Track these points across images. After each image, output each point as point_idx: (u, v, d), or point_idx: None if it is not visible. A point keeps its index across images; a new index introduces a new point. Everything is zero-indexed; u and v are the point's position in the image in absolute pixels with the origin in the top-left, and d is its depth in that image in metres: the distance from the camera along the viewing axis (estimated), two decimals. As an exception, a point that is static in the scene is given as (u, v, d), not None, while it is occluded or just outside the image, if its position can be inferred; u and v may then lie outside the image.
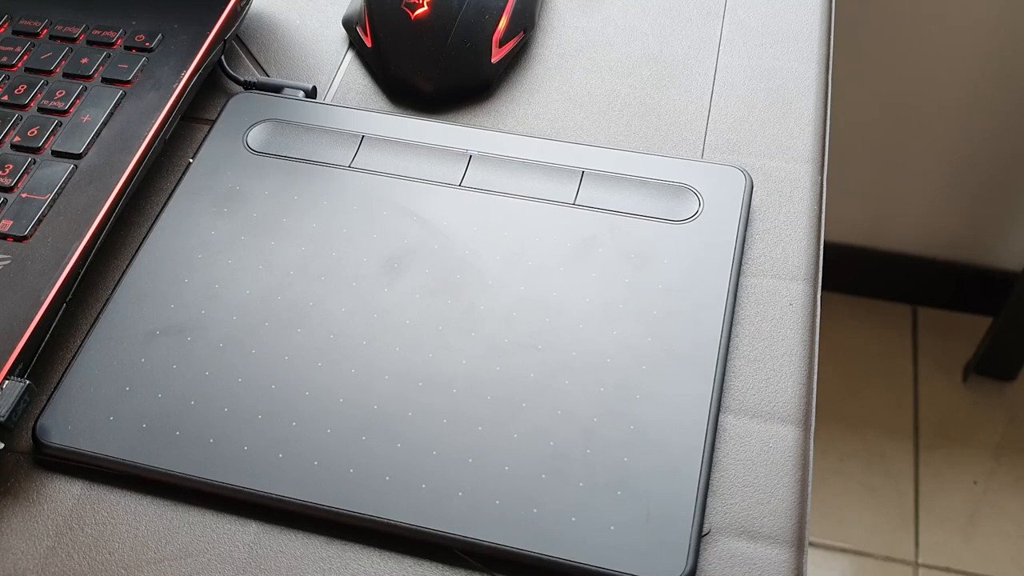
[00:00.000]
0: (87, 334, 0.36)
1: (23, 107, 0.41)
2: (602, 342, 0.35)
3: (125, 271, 0.38)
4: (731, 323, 0.36)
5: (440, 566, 0.31)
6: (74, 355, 0.35)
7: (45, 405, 0.34)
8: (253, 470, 0.32)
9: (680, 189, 0.39)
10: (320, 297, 0.36)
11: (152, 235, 0.39)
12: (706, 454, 0.32)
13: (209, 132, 0.42)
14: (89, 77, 0.42)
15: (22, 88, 0.42)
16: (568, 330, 0.35)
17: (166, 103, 0.41)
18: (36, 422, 0.34)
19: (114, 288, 0.37)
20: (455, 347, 0.35)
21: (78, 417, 0.34)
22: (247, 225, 0.39)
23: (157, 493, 0.33)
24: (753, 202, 0.40)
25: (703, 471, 0.32)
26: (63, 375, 0.35)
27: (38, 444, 0.33)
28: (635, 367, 0.34)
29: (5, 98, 0.41)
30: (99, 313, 0.36)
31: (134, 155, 0.39)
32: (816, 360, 0.36)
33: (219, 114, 0.43)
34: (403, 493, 0.32)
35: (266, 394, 0.34)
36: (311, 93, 0.44)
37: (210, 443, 0.33)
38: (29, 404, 0.34)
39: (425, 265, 0.37)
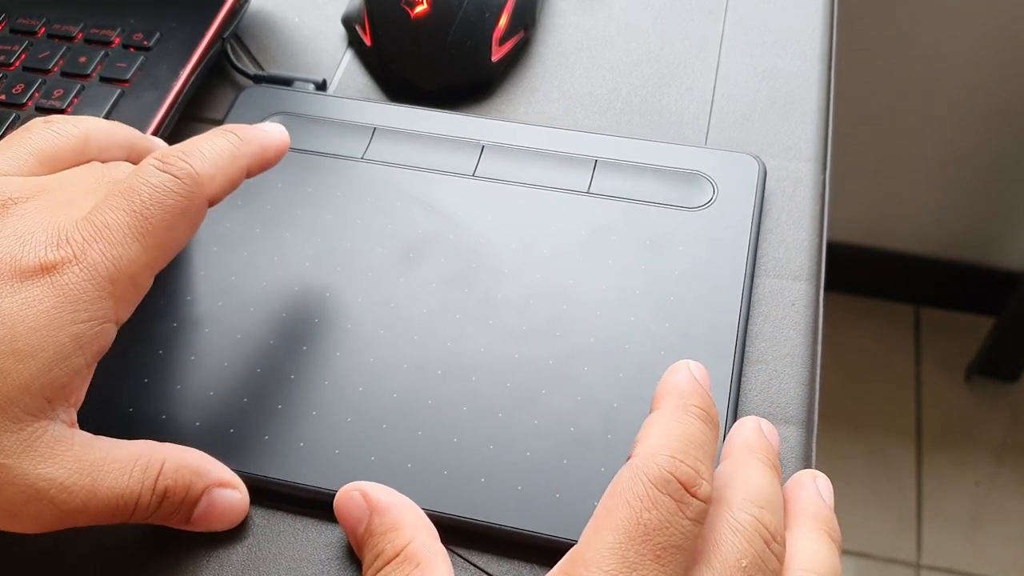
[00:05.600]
0: None
1: (20, 106, 0.41)
2: (620, 328, 0.35)
3: None
4: (749, 307, 0.36)
5: (462, 551, 0.31)
6: None
7: None
8: (275, 460, 0.32)
9: (694, 176, 0.39)
10: (336, 288, 0.37)
11: None
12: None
13: (221, 125, 0.42)
14: (87, 76, 0.42)
15: (20, 87, 0.42)
16: (585, 317, 0.35)
17: (164, 102, 0.41)
18: None
19: None
20: (473, 336, 0.35)
21: (97, 410, 0.34)
22: (261, 217, 0.39)
23: None
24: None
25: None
26: None
27: None
28: (654, 353, 0.34)
29: (2, 97, 0.41)
30: None
31: (132, 154, 0.39)
32: (819, 361, 0.36)
33: (230, 107, 0.43)
34: (425, 480, 0.32)
35: (285, 384, 0.34)
36: (321, 86, 0.44)
37: (231, 433, 0.33)
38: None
39: (440, 255, 0.37)
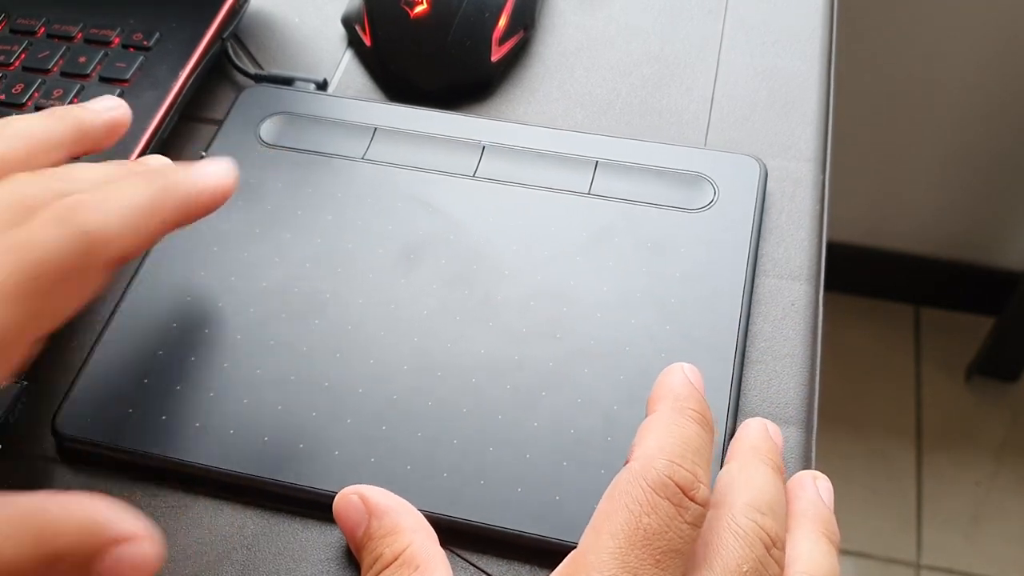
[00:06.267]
0: (104, 327, 0.36)
1: (20, 106, 0.41)
2: (620, 330, 0.35)
3: (140, 264, 0.37)
4: (749, 309, 0.36)
5: (461, 553, 0.31)
6: (91, 349, 0.35)
7: (64, 399, 0.34)
8: (274, 461, 0.32)
9: (695, 178, 0.39)
10: (336, 289, 0.37)
11: None
12: (725, 445, 0.32)
13: (221, 125, 0.42)
14: (86, 76, 0.42)
15: (19, 87, 0.42)
16: (586, 319, 0.35)
17: (164, 102, 0.41)
18: (55, 416, 0.34)
19: (129, 281, 0.37)
20: (473, 337, 0.35)
21: (97, 410, 0.34)
22: (262, 218, 0.39)
23: (174, 486, 0.33)
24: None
25: (722, 461, 0.32)
26: (81, 369, 0.35)
27: (58, 437, 0.33)
28: (655, 354, 0.34)
29: (2, 97, 0.41)
30: (115, 306, 0.36)
31: (132, 155, 0.39)
32: (819, 361, 0.36)
33: (231, 107, 0.43)
34: (424, 482, 0.32)
35: (285, 385, 0.34)
36: (322, 85, 0.44)
37: (230, 434, 0.33)
38: (26, 405, 0.34)
39: (441, 256, 0.37)
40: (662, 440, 0.27)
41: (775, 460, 0.30)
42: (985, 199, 1.19)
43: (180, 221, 0.30)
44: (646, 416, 0.29)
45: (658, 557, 0.25)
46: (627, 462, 0.28)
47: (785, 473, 0.31)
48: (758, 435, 0.31)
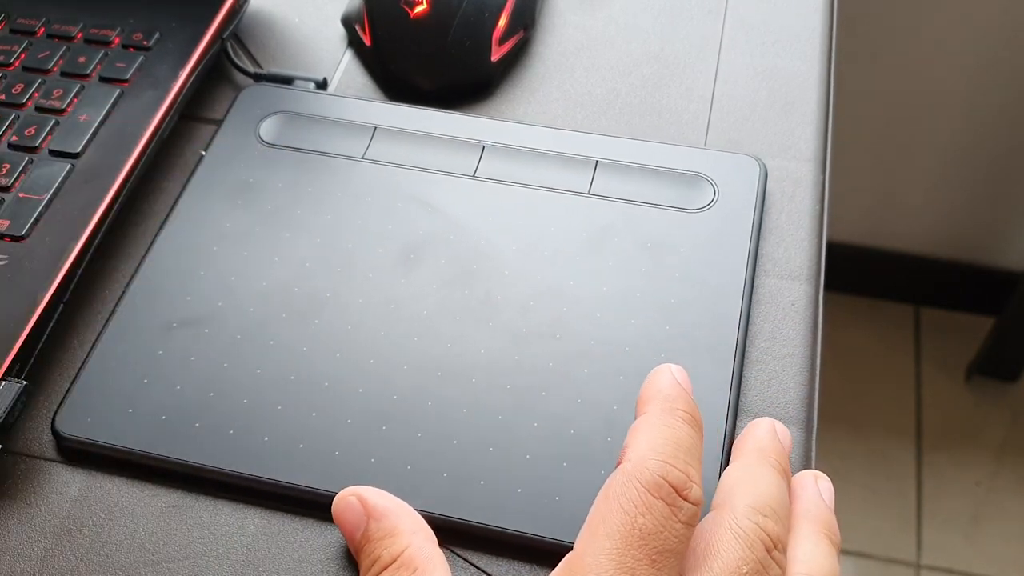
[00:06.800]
0: (104, 327, 0.36)
1: (20, 106, 0.41)
2: (620, 331, 0.35)
3: (140, 264, 0.38)
4: (749, 309, 0.36)
5: (461, 552, 0.31)
6: (91, 348, 0.35)
7: (64, 399, 0.34)
8: (275, 460, 0.32)
9: (695, 178, 0.39)
10: (336, 288, 0.37)
11: (166, 228, 0.39)
12: (725, 444, 0.33)
13: (221, 125, 0.42)
14: (86, 76, 0.42)
15: (19, 87, 0.42)
16: (586, 319, 0.35)
17: (164, 102, 0.41)
18: (55, 415, 0.34)
19: (129, 281, 0.37)
20: (473, 337, 0.35)
21: (97, 409, 0.34)
22: (262, 217, 0.39)
23: (174, 485, 0.33)
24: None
25: (722, 460, 0.32)
26: (80, 369, 0.35)
27: (58, 437, 0.33)
28: (654, 354, 0.34)
29: (2, 97, 0.41)
30: (115, 306, 0.36)
31: (131, 154, 0.39)
32: (818, 361, 0.36)
33: (230, 106, 0.43)
34: (424, 482, 0.32)
35: (285, 385, 0.34)
36: (322, 85, 0.44)
37: (230, 434, 0.33)
38: (26, 405, 0.34)
39: (441, 256, 0.37)
40: (654, 441, 0.28)
41: (780, 462, 0.31)
42: (985, 199, 1.19)
43: None
44: (635, 417, 0.29)
45: (654, 557, 0.26)
46: (619, 463, 0.28)
47: (790, 475, 0.31)
48: (765, 436, 0.31)
